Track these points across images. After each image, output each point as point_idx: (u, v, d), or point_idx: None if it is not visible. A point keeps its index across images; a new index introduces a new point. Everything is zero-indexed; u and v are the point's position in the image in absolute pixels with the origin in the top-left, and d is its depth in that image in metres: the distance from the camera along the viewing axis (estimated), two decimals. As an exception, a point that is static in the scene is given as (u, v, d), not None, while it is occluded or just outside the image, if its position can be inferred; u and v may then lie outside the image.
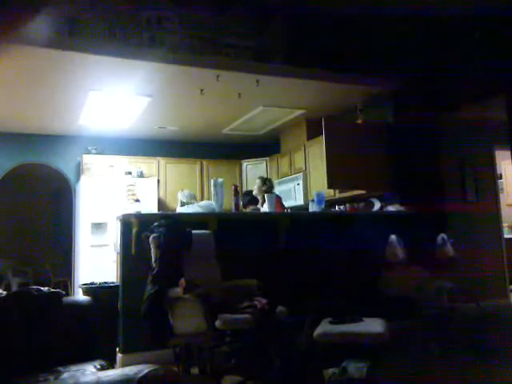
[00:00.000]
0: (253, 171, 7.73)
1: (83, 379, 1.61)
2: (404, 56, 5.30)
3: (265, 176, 6.30)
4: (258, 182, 5.62)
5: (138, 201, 6.01)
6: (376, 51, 5.16)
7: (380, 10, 4.60)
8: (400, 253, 4.05)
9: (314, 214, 4.75)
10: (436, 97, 5.48)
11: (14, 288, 7.41)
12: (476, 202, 6.07)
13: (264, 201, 5.20)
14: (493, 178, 6.40)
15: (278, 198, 5.31)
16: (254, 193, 5.44)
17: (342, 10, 4.64)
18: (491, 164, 6.37)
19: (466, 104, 5.43)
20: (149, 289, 3.11)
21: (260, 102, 5.94)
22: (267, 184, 5.55)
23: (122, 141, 7.38)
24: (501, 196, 6.59)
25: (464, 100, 5.35)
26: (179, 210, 4.61)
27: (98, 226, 6.43)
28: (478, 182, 6.12)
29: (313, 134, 6.38)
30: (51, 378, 1.90)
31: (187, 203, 5.12)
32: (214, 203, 4.22)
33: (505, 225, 6.76)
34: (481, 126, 6.17)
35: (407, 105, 5.45)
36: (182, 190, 5.53)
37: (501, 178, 7.31)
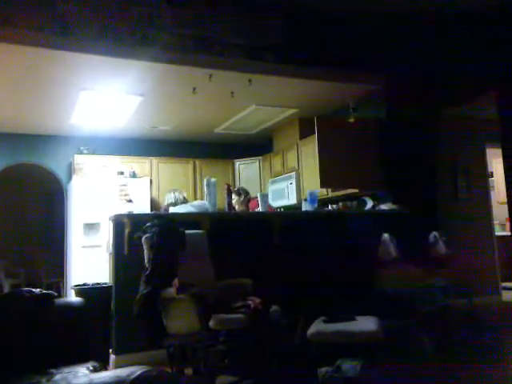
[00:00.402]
0: (246, 171, 7.73)
1: (76, 381, 1.60)
2: (397, 54, 5.32)
3: (236, 187, 6.00)
4: (233, 197, 5.11)
5: (130, 201, 5.97)
6: (369, 49, 5.17)
7: (374, 7, 4.61)
8: (393, 251, 4.06)
9: (306, 213, 4.76)
10: (428, 95, 5.51)
11: (6, 289, 7.36)
12: (467, 199, 6.12)
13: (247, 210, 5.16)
14: (484, 175, 6.45)
15: (256, 200, 5.25)
16: (236, 208, 5.18)
17: (335, 8, 4.65)
18: (482, 162, 6.42)
19: (457, 102, 5.47)
20: (142, 289, 3.10)
21: (252, 101, 5.94)
22: (242, 193, 5.32)
23: (114, 140, 7.34)
24: (492, 194, 6.64)
25: (456, 98, 5.39)
26: (172, 210, 4.60)
27: (91, 227, 6.39)
28: (469, 180, 6.17)
29: (305, 133, 6.38)
30: (43, 379, 1.88)
31: (171, 204, 5.09)
32: (207, 203, 4.21)
33: (496, 222, 6.82)
34: (472, 125, 6.22)
35: (399, 103, 5.47)
36: (171, 192, 5.42)
37: (492, 176, 7.37)
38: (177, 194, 5.32)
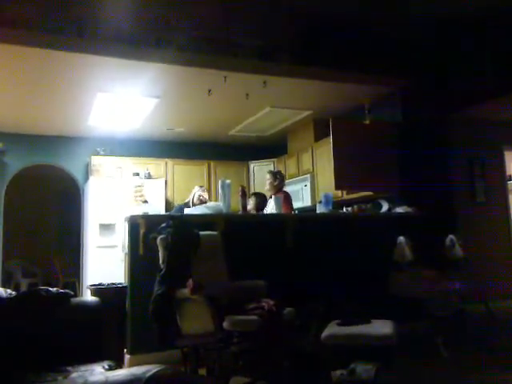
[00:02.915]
0: (260, 172, 7.73)
1: (92, 378, 1.62)
2: (413, 55, 5.28)
3: (274, 170, 5.90)
4: (268, 176, 5.12)
5: (146, 202, 6.02)
6: (384, 50, 5.14)
7: (389, 8, 4.59)
8: (409, 254, 4.02)
9: (321, 215, 4.74)
10: (445, 96, 5.45)
11: (24, 288, 7.47)
12: (485, 203, 6.03)
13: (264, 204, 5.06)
14: (502, 179, 6.35)
15: (287, 196, 5.16)
16: (265, 188, 5.12)
17: (349, 10, 4.63)
18: (501, 165, 6.33)
19: (475, 104, 5.40)
20: (157, 289, 3.12)
21: (267, 103, 5.94)
22: (278, 178, 5.13)
23: (130, 142, 7.42)
24: (510, 197, 6.54)
25: (473, 100, 5.32)
26: (186, 211, 4.62)
27: (106, 227, 6.45)
28: (487, 183, 6.08)
29: (320, 134, 6.36)
30: (60, 377, 1.91)
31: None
32: (221, 204, 4.22)
33: (514, 226, 6.70)
34: (490, 127, 6.13)
35: (416, 105, 5.42)
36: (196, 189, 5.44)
37: (510, 178, 7.24)
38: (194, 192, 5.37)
